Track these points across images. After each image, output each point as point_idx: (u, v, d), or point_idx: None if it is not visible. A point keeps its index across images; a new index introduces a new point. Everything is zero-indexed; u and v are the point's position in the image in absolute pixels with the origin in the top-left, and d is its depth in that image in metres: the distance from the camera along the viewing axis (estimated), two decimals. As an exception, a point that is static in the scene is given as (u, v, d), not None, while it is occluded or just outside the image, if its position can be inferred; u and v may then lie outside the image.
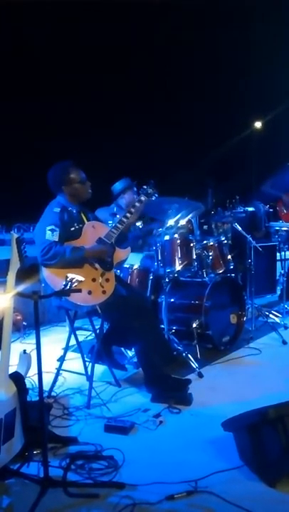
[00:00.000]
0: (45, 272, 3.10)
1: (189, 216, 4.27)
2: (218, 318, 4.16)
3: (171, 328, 4.06)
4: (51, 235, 3.08)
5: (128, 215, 3.33)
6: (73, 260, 3.07)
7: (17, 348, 3.29)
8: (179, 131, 10.61)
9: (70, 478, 2.32)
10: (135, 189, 4.54)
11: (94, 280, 3.15)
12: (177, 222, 4.10)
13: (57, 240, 3.08)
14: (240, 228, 4.67)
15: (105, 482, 2.30)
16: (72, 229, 3.25)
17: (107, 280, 3.22)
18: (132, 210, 3.35)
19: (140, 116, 10.24)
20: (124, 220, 3.31)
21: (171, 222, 4.00)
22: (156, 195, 3.49)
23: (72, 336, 3.46)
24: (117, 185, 4.57)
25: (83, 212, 3.44)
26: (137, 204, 3.38)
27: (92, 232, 3.29)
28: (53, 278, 3.06)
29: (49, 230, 3.09)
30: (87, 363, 3.46)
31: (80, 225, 3.31)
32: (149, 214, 4.37)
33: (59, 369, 3.41)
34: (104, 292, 3.17)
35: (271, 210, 5.96)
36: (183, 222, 4.20)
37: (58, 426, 2.88)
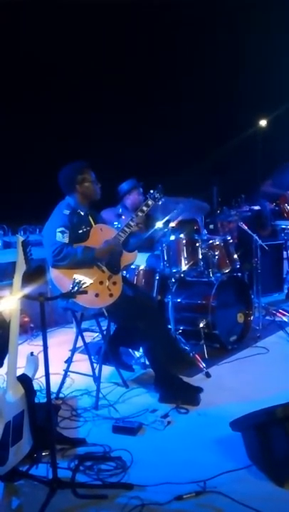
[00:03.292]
0: (53, 274, 3.12)
1: (179, 219, 4.23)
2: (225, 318, 4.15)
3: (178, 328, 4.06)
4: (61, 236, 3.10)
5: (135, 219, 3.34)
6: (84, 261, 3.09)
7: (24, 350, 3.30)
8: (183, 130, 10.57)
9: (79, 479, 2.33)
10: (141, 190, 4.55)
11: (101, 283, 3.16)
12: (167, 224, 4.05)
13: (67, 241, 3.10)
14: (245, 227, 4.66)
15: (114, 483, 2.31)
16: (80, 231, 3.27)
17: (114, 283, 3.22)
18: (139, 213, 3.36)
19: (144, 115, 10.22)
20: (132, 223, 3.32)
21: (159, 224, 3.98)
22: (163, 199, 3.49)
23: (80, 338, 3.47)
24: (124, 186, 4.58)
25: (91, 214, 3.46)
26: (144, 208, 3.38)
27: (100, 235, 3.31)
28: (60, 279, 3.07)
29: (59, 231, 3.11)
30: (94, 364, 3.46)
31: (88, 228, 3.33)
32: (154, 214, 4.37)
33: (66, 370, 3.42)
34: (111, 295, 3.17)
35: (277, 208, 5.95)
36: (173, 224, 4.13)
37: (66, 427, 2.89)
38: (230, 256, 4.45)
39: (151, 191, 3.44)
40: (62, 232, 3.12)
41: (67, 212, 3.27)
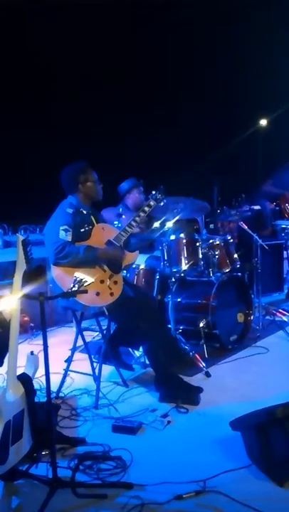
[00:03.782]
0: (55, 272, 3.11)
1: (176, 218, 4.23)
2: (225, 318, 4.15)
3: (178, 328, 4.06)
4: (65, 234, 3.10)
5: (137, 219, 3.33)
6: (86, 260, 3.08)
7: (25, 349, 3.30)
8: (183, 130, 10.59)
9: (79, 478, 2.32)
10: (142, 188, 4.54)
11: (102, 282, 3.16)
12: (163, 224, 4.02)
13: (70, 239, 3.10)
14: (246, 227, 4.66)
15: (114, 482, 2.31)
16: (82, 230, 3.27)
17: (115, 282, 3.22)
18: (141, 214, 3.35)
19: (144, 115, 10.24)
20: (134, 223, 3.32)
21: (156, 224, 3.97)
22: (165, 200, 3.48)
23: (80, 337, 3.47)
24: (124, 185, 4.58)
25: (93, 214, 3.46)
26: (146, 208, 3.37)
27: (102, 234, 3.31)
28: (62, 278, 3.06)
29: (62, 229, 3.11)
30: (94, 364, 3.46)
31: (90, 227, 3.33)
32: (154, 213, 4.36)
33: (66, 370, 3.42)
34: (111, 294, 3.17)
35: (277, 208, 5.95)
36: (170, 224, 4.13)
37: (65, 427, 2.88)
38: (230, 256, 4.45)
39: (153, 192, 3.43)
40: (66, 230, 3.11)
41: (70, 211, 3.26)
